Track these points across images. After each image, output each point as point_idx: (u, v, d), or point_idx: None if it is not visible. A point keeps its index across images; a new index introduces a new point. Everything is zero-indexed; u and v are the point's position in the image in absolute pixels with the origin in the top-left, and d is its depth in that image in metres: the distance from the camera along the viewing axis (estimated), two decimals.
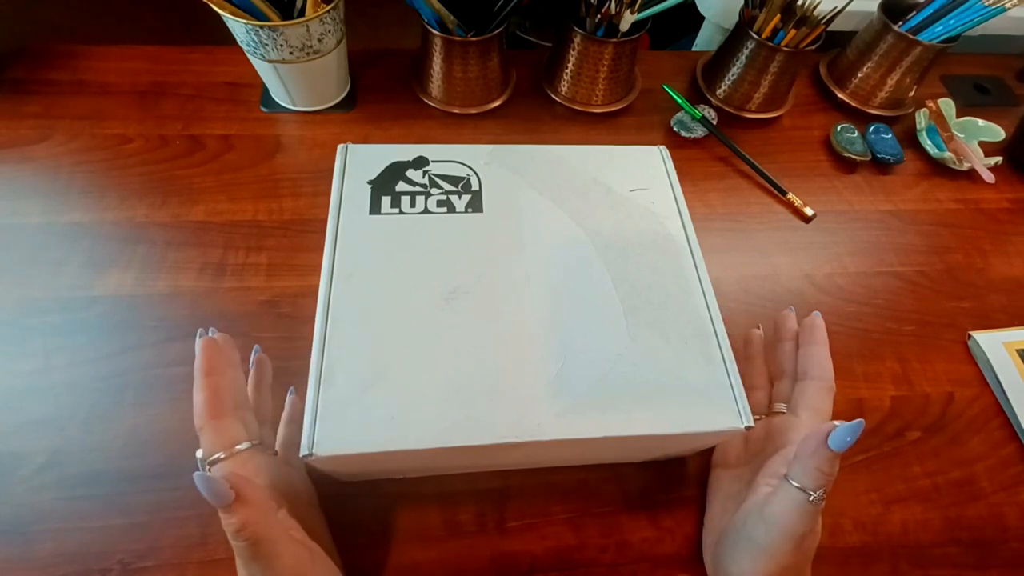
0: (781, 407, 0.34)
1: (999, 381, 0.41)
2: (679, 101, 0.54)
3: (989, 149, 0.56)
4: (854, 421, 0.26)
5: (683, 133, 0.54)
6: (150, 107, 0.51)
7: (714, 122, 0.55)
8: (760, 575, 0.28)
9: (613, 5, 0.48)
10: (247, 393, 0.30)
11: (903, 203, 0.53)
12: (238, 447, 0.26)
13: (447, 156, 0.36)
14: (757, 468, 0.32)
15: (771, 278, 0.46)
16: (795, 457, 0.27)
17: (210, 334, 0.28)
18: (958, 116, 0.57)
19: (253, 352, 0.34)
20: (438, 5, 0.45)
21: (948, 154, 0.54)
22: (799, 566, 0.29)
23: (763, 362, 0.37)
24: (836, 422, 0.26)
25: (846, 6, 0.50)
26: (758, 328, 0.39)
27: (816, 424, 0.31)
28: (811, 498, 0.26)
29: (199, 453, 0.26)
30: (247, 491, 0.23)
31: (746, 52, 0.53)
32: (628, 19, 0.48)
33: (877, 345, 0.44)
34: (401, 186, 0.34)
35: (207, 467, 0.26)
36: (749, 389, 0.36)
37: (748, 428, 0.28)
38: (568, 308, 0.30)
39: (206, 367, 0.27)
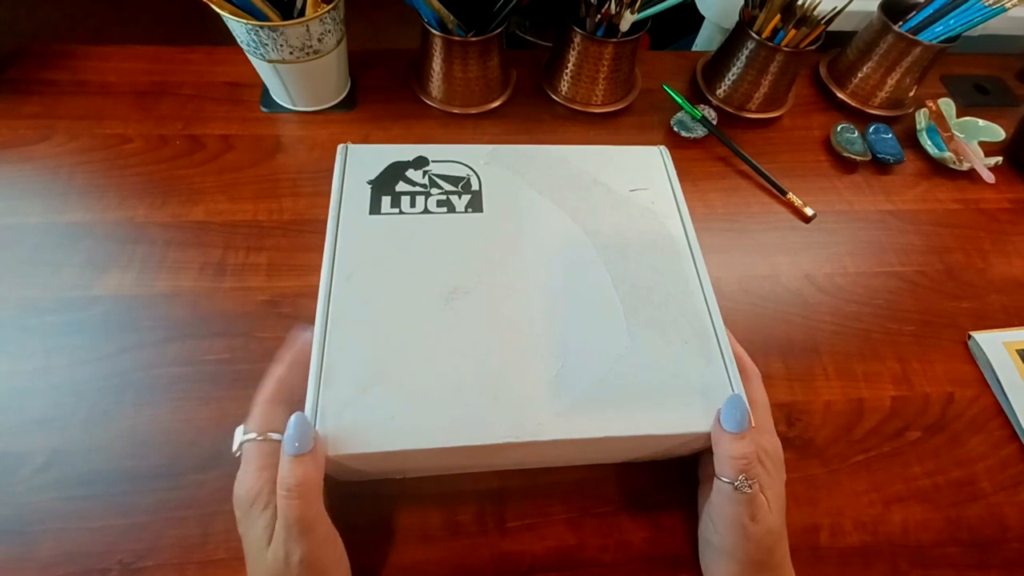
0: None
1: (999, 381, 0.41)
2: (679, 101, 0.54)
3: (989, 149, 0.56)
4: (729, 396, 0.27)
5: (683, 133, 0.54)
6: (150, 107, 0.51)
7: (714, 122, 0.55)
8: None
9: (613, 5, 0.48)
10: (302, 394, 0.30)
11: (903, 203, 0.53)
12: (271, 435, 0.26)
13: (447, 156, 0.36)
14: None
15: (771, 278, 0.46)
16: (713, 452, 0.28)
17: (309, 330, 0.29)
18: (958, 116, 0.57)
19: (301, 329, 0.33)
20: (438, 5, 0.45)
21: (948, 154, 0.54)
22: (765, 562, 0.29)
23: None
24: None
25: (846, 6, 0.50)
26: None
27: (759, 416, 0.31)
28: (735, 485, 0.27)
29: (241, 427, 0.27)
30: (319, 451, 0.24)
31: (746, 52, 0.53)
32: (628, 19, 0.48)
33: (877, 345, 0.44)
34: (401, 186, 0.34)
35: (240, 444, 0.27)
36: None
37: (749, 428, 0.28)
38: (568, 308, 0.30)
39: (296, 358, 0.28)
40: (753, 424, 0.28)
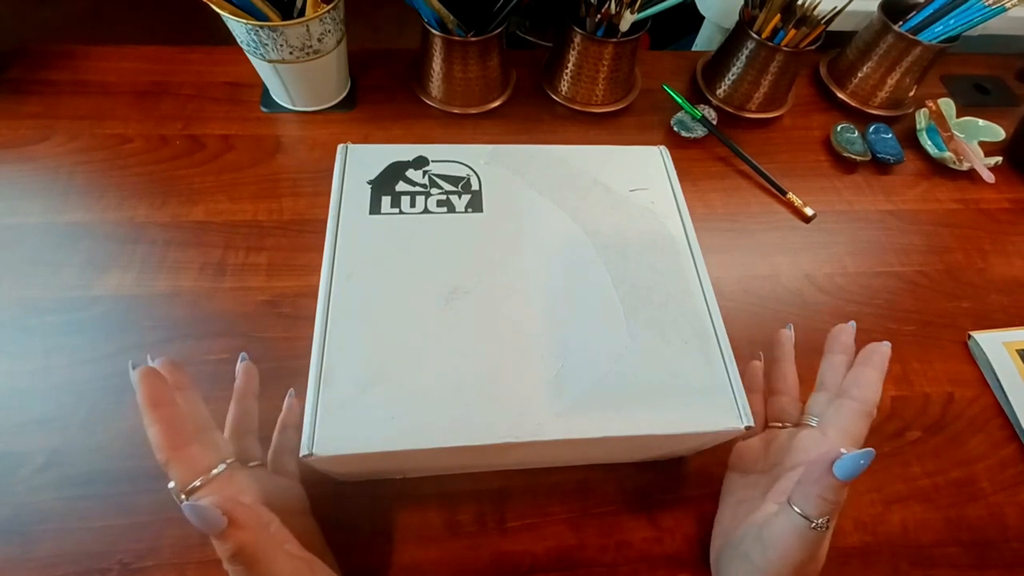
0: (812, 420, 0.31)
1: (999, 381, 0.41)
2: (679, 101, 0.54)
3: (989, 149, 0.56)
4: (864, 449, 0.24)
5: (683, 133, 0.54)
6: (150, 107, 0.51)
7: (714, 122, 0.55)
8: None
9: (613, 5, 0.48)
10: (206, 412, 0.28)
11: (903, 203, 0.53)
12: (214, 471, 0.25)
13: (447, 156, 0.36)
14: (773, 479, 0.30)
15: (771, 278, 0.46)
16: (799, 481, 0.26)
17: (149, 362, 0.26)
18: (958, 116, 0.57)
19: (239, 360, 0.33)
20: (438, 5, 0.45)
21: (948, 154, 0.54)
22: None
23: (792, 366, 0.35)
24: (843, 449, 0.25)
25: (846, 6, 0.50)
26: (788, 329, 0.37)
27: (845, 447, 0.29)
28: (813, 525, 0.25)
29: (171, 485, 0.24)
30: (238, 513, 0.22)
31: (746, 52, 0.53)
32: (628, 19, 0.48)
33: None
34: (401, 186, 0.34)
35: (184, 497, 0.24)
36: (773, 393, 0.34)
37: (748, 428, 0.28)
38: (568, 308, 0.30)
39: (151, 400, 0.25)
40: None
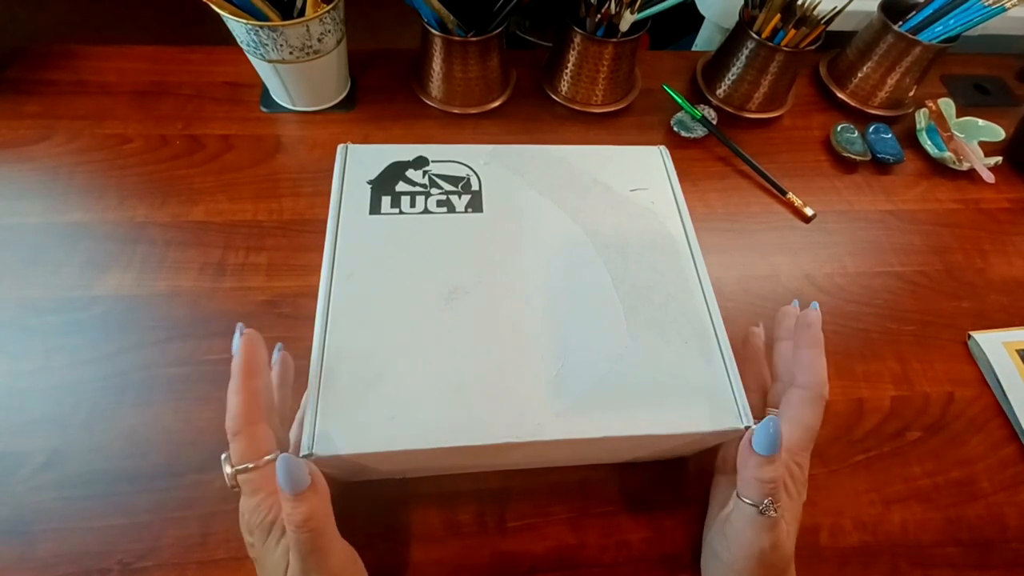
0: (772, 413, 0.31)
1: (999, 381, 0.41)
2: (679, 101, 0.54)
3: (989, 149, 0.56)
4: (764, 419, 0.25)
5: (683, 133, 0.54)
6: (150, 107, 0.51)
7: (714, 122, 0.55)
8: None
9: (613, 5, 0.48)
10: (273, 398, 0.28)
11: (903, 203, 0.53)
12: (267, 457, 0.25)
13: (447, 156, 0.36)
14: None
15: (771, 278, 0.46)
16: (738, 472, 0.27)
17: (240, 331, 0.26)
18: (958, 116, 0.57)
19: (276, 350, 0.32)
20: (438, 5, 0.45)
21: (948, 154, 0.54)
22: None
23: (762, 363, 0.36)
24: (755, 425, 0.25)
25: (846, 6, 0.50)
26: (758, 326, 0.37)
27: (799, 438, 0.29)
28: (760, 510, 0.26)
29: (225, 456, 0.25)
30: (318, 480, 0.23)
31: (746, 52, 0.53)
32: (628, 19, 0.48)
33: (877, 345, 0.44)
34: (401, 186, 0.34)
35: (234, 475, 0.25)
36: (747, 391, 0.35)
37: (748, 428, 0.28)
38: (568, 308, 0.30)
39: (247, 368, 0.25)
40: (784, 447, 0.26)
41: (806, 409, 0.30)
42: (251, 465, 0.24)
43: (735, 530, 0.27)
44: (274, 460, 0.25)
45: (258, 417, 0.25)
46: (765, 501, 0.26)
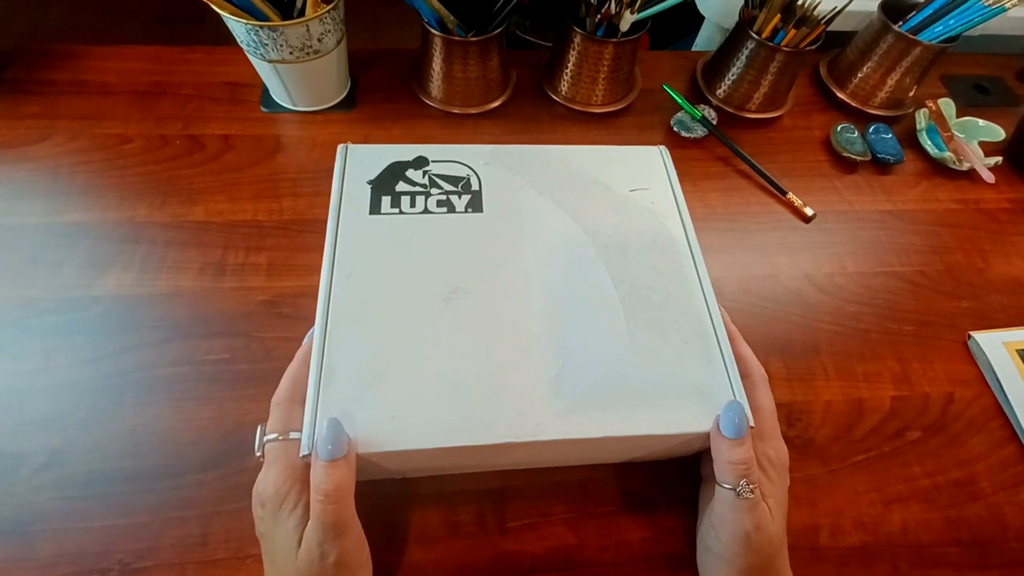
0: None
1: (999, 381, 0.41)
2: (679, 101, 0.54)
3: (989, 149, 0.56)
4: (727, 403, 0.27)
5: (683, 133, 0.54)
6: (150, 107, 0.51)
7: (714, 122, 0.55)
8: None
9: (613, 5, 0.48)
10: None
11: (903, 203, 0.53)
12: (293, 434, 0.27)
13: (447, 156, 0.36)
14: None
15: (771, 278, 0.46)
16: (713, 459, 0.28)
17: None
18: (958, 116, 0.57)
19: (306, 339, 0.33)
20: (438, 5, 0.45)
21: (948, 154, 0.54)
22: (765, 570, 0.28)
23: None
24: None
25: (846, 6, 0.50)
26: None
27: (762, 421, 0.30)
28: (736, 492, 0.27)
29: (261, 427, 0.28)
30: (351, 454, 0.25)
31: (746, 52, 0.53)
32: (628, 19, 0.48)
33: (877, 345, 0.44)
34: (401, 186, 0.34)
35: (263, 444, 0.27)
36: None
37: (748, 428, 0.28)
38: (568, 308, 0.30)
39: (306, 358, 0.29)
40: (752, 427, 0.28)
41: (757, 392, 0.31)
42: (279, 436, 0.27)
43: (719, 517, 0.28)
44: (298, 438, 0.26)
45: (299, 398, 0.28)
46: (741, 483, 0.27)
